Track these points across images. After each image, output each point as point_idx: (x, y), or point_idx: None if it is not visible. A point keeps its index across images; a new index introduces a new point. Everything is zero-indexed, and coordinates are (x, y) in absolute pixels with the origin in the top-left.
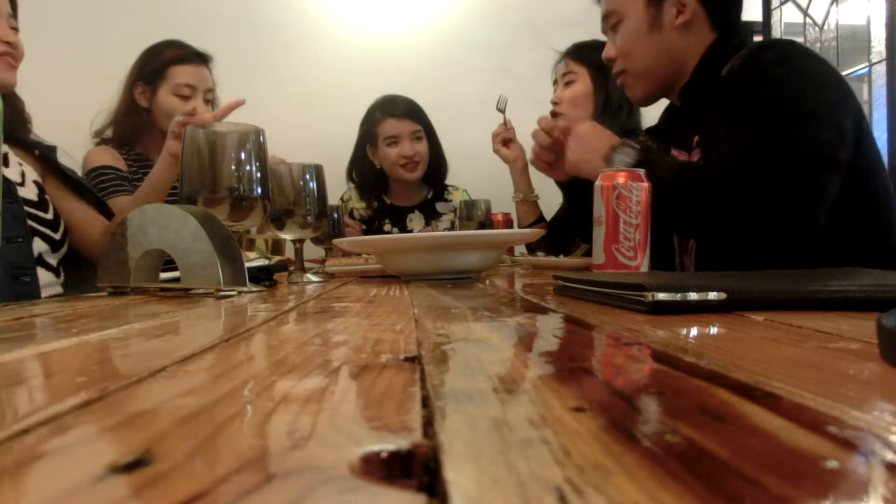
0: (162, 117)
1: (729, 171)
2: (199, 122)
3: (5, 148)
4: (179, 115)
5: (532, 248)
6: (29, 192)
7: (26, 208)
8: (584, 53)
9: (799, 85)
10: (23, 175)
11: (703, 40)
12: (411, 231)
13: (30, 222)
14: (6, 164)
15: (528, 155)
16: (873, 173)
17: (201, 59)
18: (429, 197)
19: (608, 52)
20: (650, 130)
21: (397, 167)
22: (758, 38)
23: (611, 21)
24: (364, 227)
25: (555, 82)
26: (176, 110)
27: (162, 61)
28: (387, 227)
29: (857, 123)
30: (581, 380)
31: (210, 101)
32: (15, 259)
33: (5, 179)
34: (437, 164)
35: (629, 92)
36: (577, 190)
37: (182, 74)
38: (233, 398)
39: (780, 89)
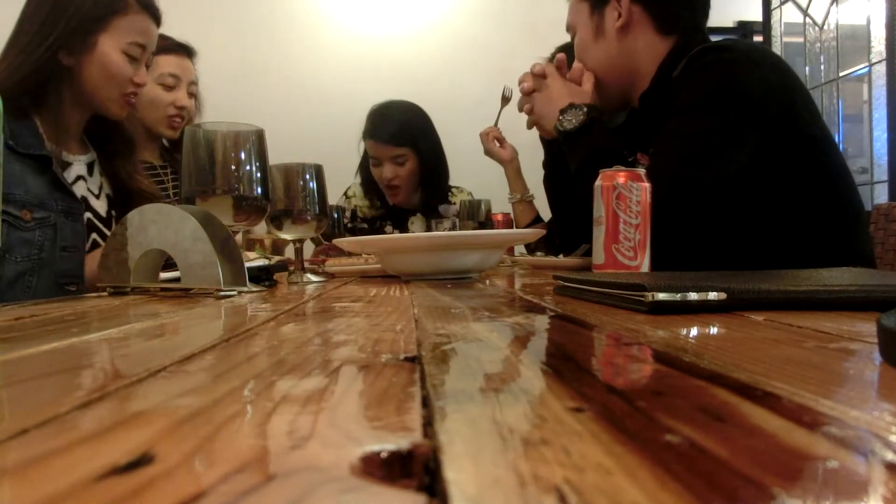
0: (144, 108)
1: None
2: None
3: (94, 155)
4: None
5: (532, 248)
6: (101, 205)
7: (96, 221)
8: (570, 54)
9: (704, 99)
10: (100, 187)
11: (656, 46)
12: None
13: (95, 236)
14: (90, 173)
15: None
16: (838, 176)
17: (185, 50)
18: (431, 200)
19: (575, 63)
20: (615, 130)
21: (382, 187)
22: (758, 38)
23: (571, 34)
24: (365, 226)
25: None
26: (161, 100)
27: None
28: (388, 228)
29: (798, 131)
30: (581, 380)
31: (194, 95)
32: (64, 267)
33: (81, 196)
34: (432, 173)
35: (596, 94)
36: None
37: (165, 64)
38: (233, 398)
39: (693, 103)
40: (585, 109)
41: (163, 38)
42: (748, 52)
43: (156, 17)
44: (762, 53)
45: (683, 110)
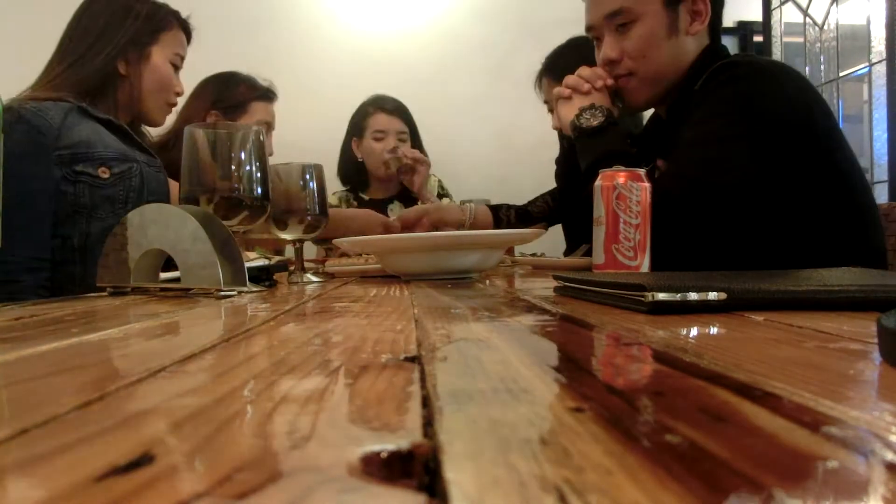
0: None
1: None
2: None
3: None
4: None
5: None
6: None
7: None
8: (562, 61)
9: (727, 110)
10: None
11: (701, 48)
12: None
13: None
14: None
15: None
16: (850, 177)
17: (273, 96)
18: (405, 187)
19: (612, 52)
20: (635, 138)
21: (380, 162)
22: (758, 39)
23: (619, 20)
24: None
25: (545, 102)
26: None
27: (243, 95)
28: None
29: (814, 136)
30: (581, 380)
31: (269, 136)
32: None
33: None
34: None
35: (630, 96)
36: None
37: (260, 111)
38: (233, 398)
39: (716, 112)
40: (606, 112)
41: (253, 85)
42: (769, 66)
43: (188, 33)
44: (782, 68)
45: (707, 118)
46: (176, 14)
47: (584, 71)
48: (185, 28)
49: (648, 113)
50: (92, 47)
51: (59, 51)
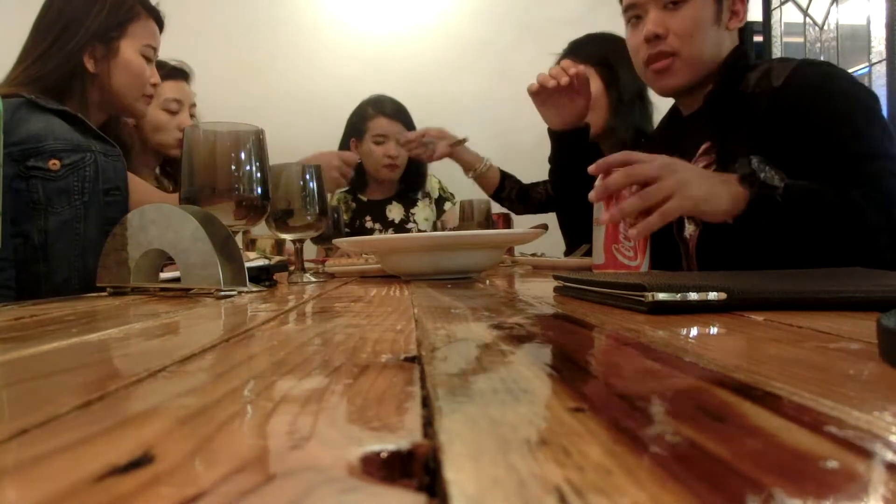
0: (151, 132)
1: (852, 185)
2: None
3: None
4: None
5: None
6: None
7: None
8: (583, 50)
9: (854, 98)
10: None
11: (732, 46)
12: (392, 221)
13: None
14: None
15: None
16: None
17: (182, 74)
18: (403, 188)
19: (657, 28)
20: (648, 137)
21: (380, 166)
22: (758, 39)
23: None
24: (347, 230)
25: None
26: (166, 125)
27: None
28: (368, 223)
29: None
30: (581, 380)
31: (193, 116)
32: (110, 214)
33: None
34: (416, 169)
35: (667, 77)
36: (568, 139)
37: (169, 90)
38: (233, 398)
39: (847, 102)
40: (759, 163)
41: (160, 64)
42: (835, 67)
43: (159, 22)
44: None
45: (843, 124)
46: (143, 2)
47: (543, 76)
48: (156, 17)
49: (659, 112)
50: (55, 42)
51: (26, 47)
